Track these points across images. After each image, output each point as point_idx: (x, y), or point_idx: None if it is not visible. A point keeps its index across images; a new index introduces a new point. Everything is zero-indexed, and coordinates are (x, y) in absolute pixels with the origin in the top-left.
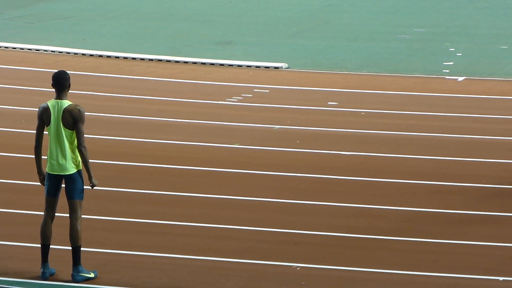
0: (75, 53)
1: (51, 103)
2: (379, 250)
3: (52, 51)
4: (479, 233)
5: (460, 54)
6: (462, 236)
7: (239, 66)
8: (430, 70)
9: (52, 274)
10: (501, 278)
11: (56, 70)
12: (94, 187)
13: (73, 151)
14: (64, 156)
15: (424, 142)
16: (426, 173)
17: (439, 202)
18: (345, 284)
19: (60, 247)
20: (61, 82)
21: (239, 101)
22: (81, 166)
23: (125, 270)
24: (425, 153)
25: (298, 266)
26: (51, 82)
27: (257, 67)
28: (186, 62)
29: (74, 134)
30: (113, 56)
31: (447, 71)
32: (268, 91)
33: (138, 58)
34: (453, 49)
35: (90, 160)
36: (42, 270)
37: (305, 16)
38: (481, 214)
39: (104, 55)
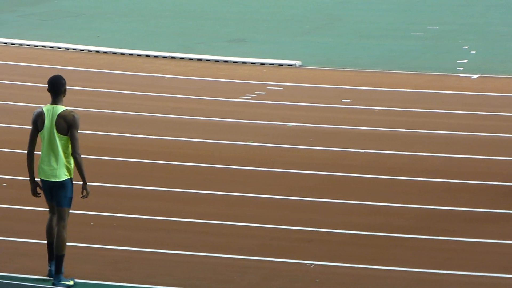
0: (89, 50)
1: (46, 108)
2: (392, 248)
3: (66, 48)
4: (493, 231)
5: (474, 51)
6: (476, 234)
7: (252, 63)
8: (444, 68)
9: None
10: None
11: (68, 67)
12: (85, 197)
13: (66, 158)
14: (56, 162)
15: (438, 139)
16: (440, 171)
17: (453, 200)
18: (358, 282)
19: (75, 244)
20: (56, 87)
21: (252, 98)
22: (72, 174)
23: (141, 268)
24: (439, 151)
25: (312, 264)
26: (47, 87)
27: (270, 64)
28: (199, 60)
29: (68, 141)
30: (127, 53)
31: (461, 68)
32: (281, 88)
33: (151, 55)
34: (467, 47)
35: (104, 157)
36: (49, 268)
37: (319, 13)
38: (495, 212)
39: (118, 53)
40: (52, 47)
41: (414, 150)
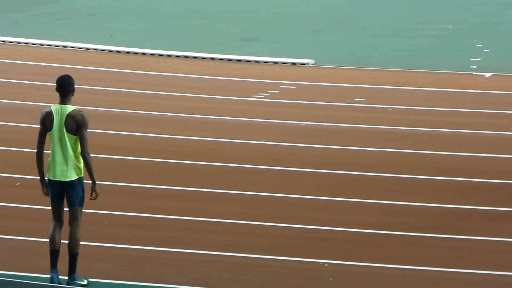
0: (102, 50)
1: (54, 108)
2: (407, 247)
3: (79, 48)
4: (507, 230)
5: (488, 50)
6: (490, 233)
7: (265, 62)
8: (457, 66)
9: (60, 282)
10: None
11: (80, 66)
12: (94, 199)
13: (76, 157)
14: (66, 162)
15: (452, 138)
16: (453, 169)
17: (468, 199)
18: (372, 281)
19: (89, 243)
20: (65, 87)
21: (265, 97)
22: (83, 173)
23: (155, 267)
24: (453, 149)
25: (325, 263)
26: (55, 86)
27: (283, 63)
28: (212, 59)
29: (77, 140)
30: (140, 52)
31: (475, 67)
32: (294, 87)
33: (164, 54)
34: (480, 45)
35: (116, 157)
36: (51, 275)
37: (331, 12)
38: (509, 210)
39: (131, 52)
40: (64, 47)
41: (428, 148)
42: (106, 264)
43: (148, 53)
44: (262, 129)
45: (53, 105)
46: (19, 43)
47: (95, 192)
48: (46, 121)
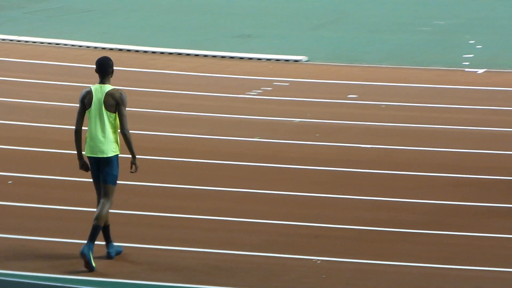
0: (95, 47)
1: (94, 87)
2: (399, 243)
3: (72, 45)
4: (501, 226)
5: (480, 46)
6: (482, 229)
7: (259, 59)
8: (450, 62)
9: (119, 252)
10: None
11: (73, 63)
12: (135, 172)
13: (113, 135)
14: (104, 138)
15: (445, 134)
16: (446, 165)
17: (459, 195)
18: (365, 277)
19: (81, 241)
20: (104, 68)
21: (259, 94)
22: (119, 151)
23: (146, 264)
24: (446, 145)
25: (318, 260)
26: (95, 67)
27: (277, 60)
28: (206, 56)
29: (116, 118)
30: (133, 49)
31: (467, 63)
32: (288, 84)
33: (158, 51)
34: (473, 42)
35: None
36: (106, 250)
37: (325, 8)
38: (502, 206)
39: (124, 49)
40: (58, 44)
41: (421, 145)
42: (96, 261)
43: (141, 50)
44: (255, 126)
45: (92, 85)
46: (13, 40)
47: (135, 165)
48: (85, 99)
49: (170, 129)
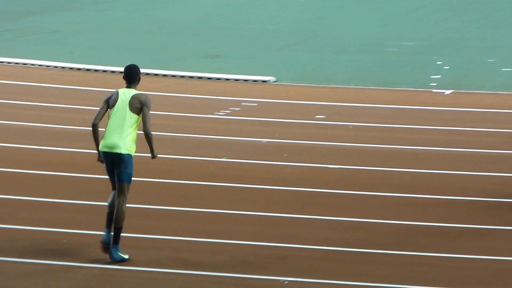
0: (62, 67)
1: (121, 90)
2: (367, 264)
3: (39, 65)
4: (467, 246)
5: (448, 67)
6: (450, 249)
7: (227, 79)
8: (418, 83)
9: (108, 242)
10: None
11: (41, 83)
12: (154, 158)
13: (131, 135)
14: (123, 136)
15: (412, 155)
16: (413, 186)
17: (428, 215)
18: None
19: (48, 261)
20: (131, 75)
21: (227, 114)
22: (134, 151)
23: (113, 285)
24: (413, 166)
25: (286, 280)
26: (123, 74)
27: (245, 80)
28: (174, 76)
29: (137, 120)
30: (100, 70)
31: (435, 84)
32: (256, 104)
33: None
34: (440, 62)
35: (75, 174)
36: (105, 233)
37: (294, 29)
38: (469, 227)
39: (92, 69)
40: (25, 64)
41: (388, 165)
42: (64, 282)
43: (109, 71)
44: (223, 146)
45: (119, 89)
46: None
47: (154, 155)
48: (111, 99)
49: (137, 150)
